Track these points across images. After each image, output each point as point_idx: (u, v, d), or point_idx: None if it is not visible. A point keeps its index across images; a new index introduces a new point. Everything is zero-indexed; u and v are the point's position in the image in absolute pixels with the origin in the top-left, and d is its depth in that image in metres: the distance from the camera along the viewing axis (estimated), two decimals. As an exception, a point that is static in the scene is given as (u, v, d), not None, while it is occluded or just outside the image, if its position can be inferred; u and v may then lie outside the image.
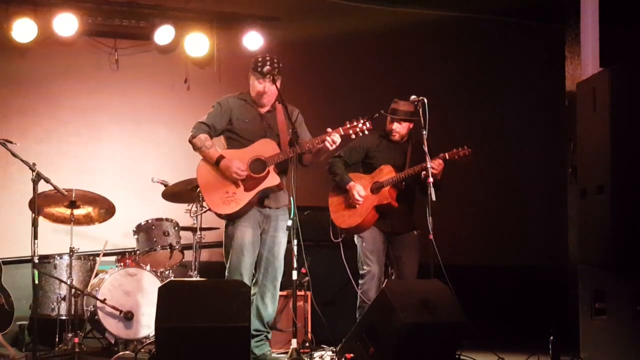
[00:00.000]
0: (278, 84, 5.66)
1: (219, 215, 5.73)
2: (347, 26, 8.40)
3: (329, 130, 5.63)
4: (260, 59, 5.75)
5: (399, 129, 6.29)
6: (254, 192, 5.64)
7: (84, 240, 7.09)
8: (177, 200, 6.91)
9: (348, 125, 5.66)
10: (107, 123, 8.07)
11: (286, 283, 6.39)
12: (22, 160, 5.67)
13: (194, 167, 5.79)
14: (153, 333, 5.42)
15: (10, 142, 5.74)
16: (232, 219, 5.68)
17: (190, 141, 5.74)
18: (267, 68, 5.66)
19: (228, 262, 5.71)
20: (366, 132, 5.72)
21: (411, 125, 6.30)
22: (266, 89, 5.72)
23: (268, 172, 5.64)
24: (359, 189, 6.19)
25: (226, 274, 5.72)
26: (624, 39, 5.97)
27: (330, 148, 5.69)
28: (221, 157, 5.63)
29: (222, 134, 5.83)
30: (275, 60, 5.71)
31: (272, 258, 5.77)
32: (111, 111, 8.07)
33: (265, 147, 5.69)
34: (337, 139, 5.62)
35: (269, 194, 5.71)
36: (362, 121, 5.66)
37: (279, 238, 5.80)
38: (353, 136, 5.70)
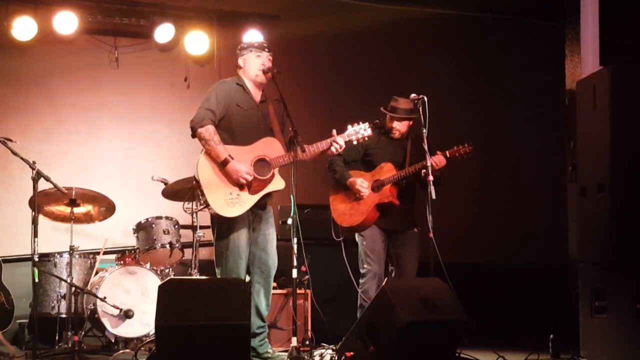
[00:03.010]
0: (278, 77, 5.66)
1: (215, 214, 5.61)
2: (347, 24, 8.41)
3: (334, 133, 5.63)
4: (252, 41, 5.91)
5: (400, 127, 6.29)
6: (259, 196, 5.57)
7: (84, 238, 7.09)
8: (177, 199, 6.90)
9: (352, 132, 5.67)
10: (107, 121, 8.08)
11: (286, 281, 6.41)
12: (22, 159, 5.67)
13: (194, 165, 5.64)
14: (153, 331, 5.42)
15: (10, 141, 5.73)
16: (227, 219, 5.58)
17: (194, 128, 5.55)
18: (264, 44, 5.76)
19: (224, 264, 5.64)
20: (366, 139, 5.78)
21: (411, 123, 6.30)
22: (265, 62, 5.69)
23: (273, 175, 5.60)
24: (361, 180, 6.19)
25: (220, 274, 5.66)
26: (624, 37, 5.96)
27: (335, 153, 5.71)
28: (229, 159, 5.48)
29: None
30: (266, 41, 5.88)
31: (266, 256, 5.75)
32: (111, 109, 8.07)
33: (270, 147, 5.62)
34: (342, 143, 5.63)
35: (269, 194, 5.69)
36: (363, 128, 5.69)
37: (271, 235, 5.78)
38: (355, 142, 5.72)
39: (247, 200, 5.55)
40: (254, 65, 5.72)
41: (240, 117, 5.68)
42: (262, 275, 5.75)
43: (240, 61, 5.81)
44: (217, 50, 8.24)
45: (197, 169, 5.58)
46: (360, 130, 5.70)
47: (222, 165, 5.51)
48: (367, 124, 5.74)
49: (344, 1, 8.63)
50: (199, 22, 8.18)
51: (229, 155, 5.50)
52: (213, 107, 5.60)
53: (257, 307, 5.68)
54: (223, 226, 5.64)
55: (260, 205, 5.68)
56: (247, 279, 5.72)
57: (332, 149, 5.64)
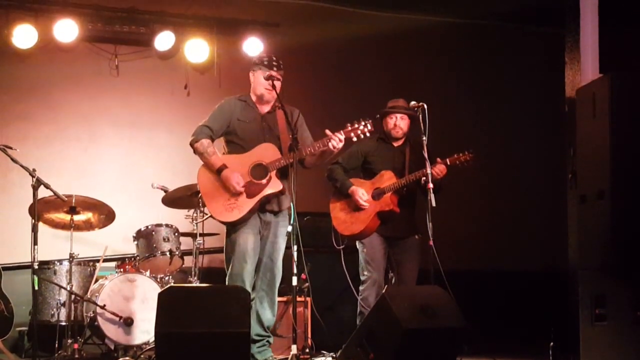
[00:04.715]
0: (278, 86, 5.67)
1: (221, 222, 5.70)
2: (346, 32, 8.42)
3: (328, 132, 5.62)
4: (264, 56, 5.87)
5: (401, 124, 6.27)
6: (257, 199, 5.61)
7: (84, 246, 7.07)
8: (177, 206, 6.91)
9: (350, 128, 5.64)
10: (107, 129, 8.08)
11: (286, 289, 6.39)
12: (22, 166, 5.68)
13: (194, 173, 5.77)
14: (153, 339, 5.42)
15: (10, 148, 5.74)
16: (233, 226, 5.65)
17: (191, 145, 5.71)
18: (274, 63, 5.73)
19: (230, 269, 5.69)
20: (367, 135, 5.70)
21: (409, 123, 6.30)
22: (273, 83, 5.69)
23: (270, 178, 5.63)
24: (362, 191, 6.18)
25: (227, 280, 5.70)
26: (624, 44, 5.97)
27: (335, 150, 5.69)
28: (223, 167, 5.60)
29: (222, 136, 5.82)
30: (278, 59, 5.80)
31: (271, 264, 5.77)
32: (111, 117, 8.08)
33: (267, 152, 5.66)
34: (339, 142, 5.61)
35: (271, 198, 5.70)
36: (363, 123, 5.65)
37: (279, 244, 5.79)
38: (355, 139, 5.68)
39: (245, 204, 5.60)
40: (260, 85, 5.77)
41: (243, 129, 5.77)
42: (266, 282, 5.76)
43: (251, 76, 5.86)
44: (217, 58, 8.25)
45: (197, 180, 5.73)
46: (360, 126, 5.67)
47: (217, 173, 5.61)
48: (368, 120, 5.69)
49: (344, 9, 8.65)
50: (199, 30, 8.19)
51: (223, 164, 5.61)
52: (209, 123, 5.75)
53: (258, 314, 5.69)
54: (231, 232, 5.71)
55: (267, 212, 5.72)
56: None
57: (331, 145, 5.61)
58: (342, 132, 5.63)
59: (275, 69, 5.72)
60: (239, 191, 5.58)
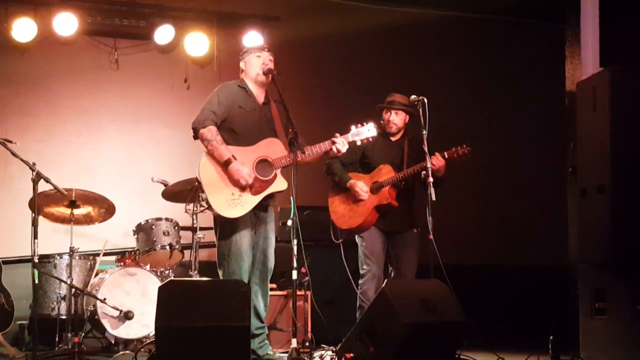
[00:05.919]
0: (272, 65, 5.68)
1: (217, 215, 5.58)
2: (347, 26, 8.41)
3: (337, 135, 5.61)
4: (253, 44, 5.82)
5: (396, 120, 6.28)
6: (262, 196, 5.55)
7: (84, 239, 7.08)
8: (177, 200, 6.90)
9: (355, 132, 5.65)
10: (107, 123, 8.08)
11: (286, 283, 6.41)
12: (22, 160, 5.67)
13: (194, 166, 5.63)
14: (153, 333, 5.41)
15: (10, 142, 5.73)
16: (229, 221, 5.56)
17: (196, 130, 5.53)
18: (264, 44, 5.76)
19: (226, 266, 5.61)
20: (370, 140, 5.75)
21: (407, 119, 6.30)
22: (265, 61, 5.67)
23: (275, 175, 5.58)
24: (361, 184, 6.18)
25: (222, 276, 5.63)
26: (624, 38, 5.96)
27: (338, 154, 5.70)
28: (231, 159, 5.45)
29: None
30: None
31: (265, 258, 5.74)
32: (111, 111, 8.08)
33: (272, 148, 5.59)
34: (343, 147, 5.61)
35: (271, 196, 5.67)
36: (367, 128, 5.66)
37: (271, 239, 5.77)
38: (359, 143, 5.70)
39: (249, 201, 5.53)
40: (255, 65, 5.72)
41: (242, 118, 5.66)
42: (260, 277, 5.74)
43: (242, 64, 5.81)
44: (217, 52, 8.24)
45: (198, 170, 5.55)
46: (364, 131, 5.67)
47: (224, 165, 5.50)
48: (371, 123, 5.72)
49: (345, 3, 8.64)
50: (199, 24, 8.18)
51: (232, 156, 5.48)
52: (215, 108, 5.59)
53: (255, 307, 5.66)
54: (226, 228, 5.62)
55: (262, 207, 5.67)
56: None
57: (335, 149, 5.62)
58: (348, 136, 5.64)
59: (266, 50, 5.74)
60: (249, 185, 5.50)
